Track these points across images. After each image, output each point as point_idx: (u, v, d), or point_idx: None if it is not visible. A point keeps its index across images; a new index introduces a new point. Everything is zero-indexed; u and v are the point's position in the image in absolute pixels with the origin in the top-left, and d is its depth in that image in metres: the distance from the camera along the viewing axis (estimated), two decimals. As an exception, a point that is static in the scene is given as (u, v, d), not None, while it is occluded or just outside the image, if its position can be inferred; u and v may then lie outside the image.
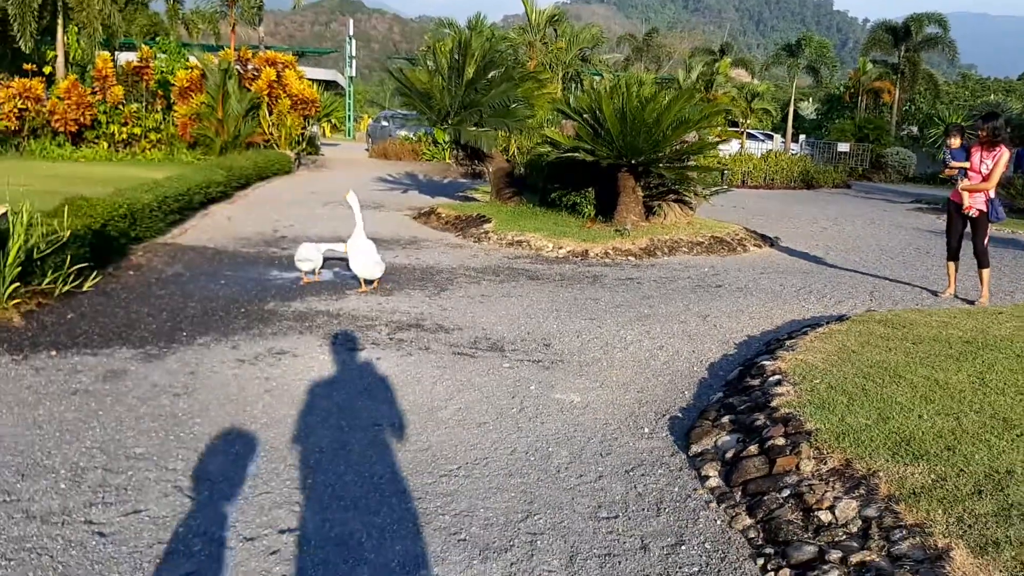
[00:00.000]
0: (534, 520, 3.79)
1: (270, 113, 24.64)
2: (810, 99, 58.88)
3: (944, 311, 7.85)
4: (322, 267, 9.09)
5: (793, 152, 37.94)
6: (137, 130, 23.65)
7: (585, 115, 12.71)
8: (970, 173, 9.05)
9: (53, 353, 5.85)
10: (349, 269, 8.81)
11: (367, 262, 8.44)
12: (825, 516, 3.54)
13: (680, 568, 3.42)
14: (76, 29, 27.78)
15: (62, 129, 23.02)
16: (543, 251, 11.83)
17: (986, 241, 9.10)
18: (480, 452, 4.54)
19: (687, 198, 13.90)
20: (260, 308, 7.55)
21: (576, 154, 12.66)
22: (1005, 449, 3.96)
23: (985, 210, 8.99)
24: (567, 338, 7.06)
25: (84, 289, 7.54)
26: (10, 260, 6.65)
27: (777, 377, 5.21)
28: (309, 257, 8.73)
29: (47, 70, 25.57)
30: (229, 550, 3.39)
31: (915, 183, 33.83)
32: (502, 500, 3.97)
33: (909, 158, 37.53)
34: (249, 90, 24.64)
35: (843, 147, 39.45)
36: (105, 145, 23.38)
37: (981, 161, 8.96)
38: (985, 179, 8.88)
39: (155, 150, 23.57)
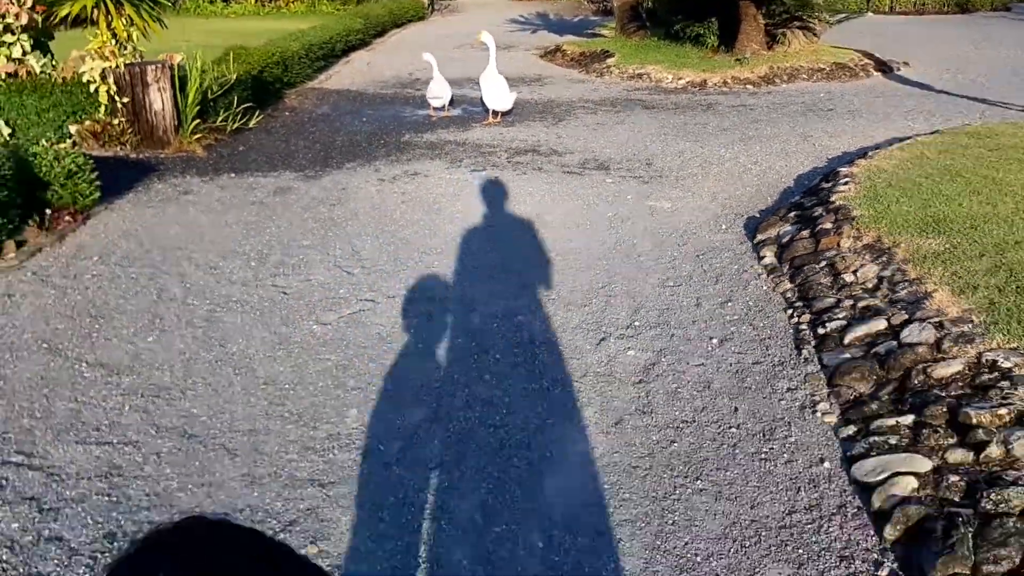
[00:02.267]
0: (611, 287, 4.73)
1: (403, -41, 25.11)
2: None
3: (1043, 122, 8.02)
4: (451, 104, 9.99)
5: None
6: (281, -17, 24.73)
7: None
8: None
9: (232, 175, 7.12)
10: (479, 104, 9.67)
11: (499, 94, 9.28)
12: (849, 277, 4.31)
13: (724, 317, 4.31)
14: None
15: (213, -14, 24.37)
16: (662, 82, 12.28)
17: None
18: (576, 244, 5.46)
19: (811, 25, 13.81)
20: (397, 139, 8.60)
21: (696, -17, 12.79)
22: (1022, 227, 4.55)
23: None
24: (669, 158, 7.77)
25: (250, 126, 8.78)
26: (190, 101, 7.90)
27: (846, 179, 5.83)
28: (440, 94, 9.64)
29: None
30: (377, 304, 4.52)
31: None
32: (589, 276, 4.92)
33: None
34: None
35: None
36: (252, 0, 24.64)
37: None
38: None
39: (298, 3, 24.66)
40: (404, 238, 5.56)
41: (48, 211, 5.68)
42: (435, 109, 9.89)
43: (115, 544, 2.67)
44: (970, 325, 3.49)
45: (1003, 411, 2.92)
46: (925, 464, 2.83)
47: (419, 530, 2.77)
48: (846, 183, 5.76)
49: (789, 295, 4.45)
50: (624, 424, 3.37)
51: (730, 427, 3.34)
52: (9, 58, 8.04)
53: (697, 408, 3.48)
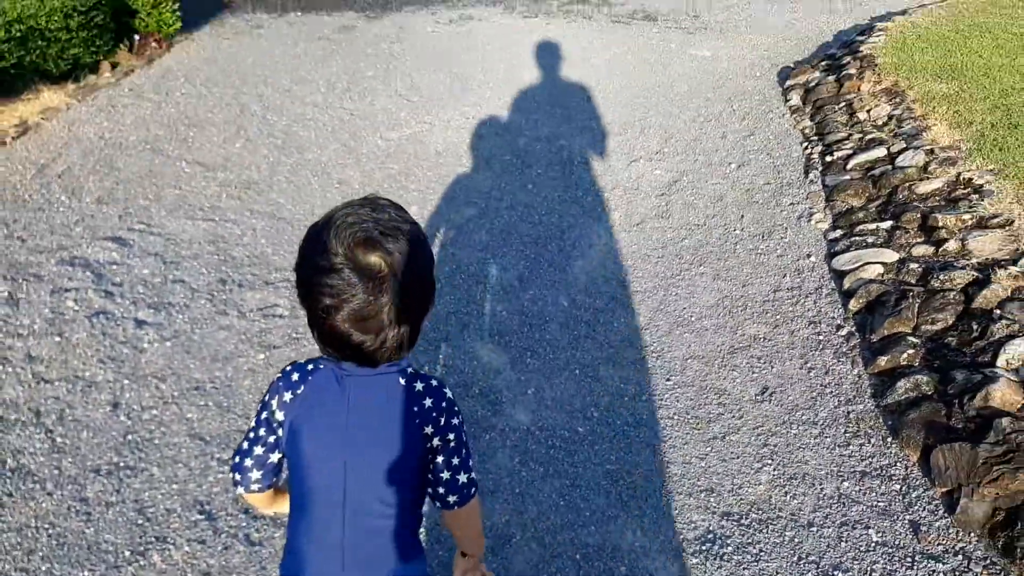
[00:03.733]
0: (646, 121, 5.20)
1: None
2: None
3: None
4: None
5: None
6: None
7: None
8: None
9: (298, 13, 7.58)
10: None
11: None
12: (862, 116, 4.73)
13: (745, 147, 4.79)
14: None
15: None
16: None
17: None
18: (618, 84, 5.90)
19: None
20: (454, -14, 8.92)
21: None
22: (1038, 77, 4.89)
23: None
24: (715, 12, 8.03)
25: (313, -31, 9.14)
26: (258, -58, 8.27)
27: (880, 32, 6.13)
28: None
29: None
30: (433, 126, 5.06)
31: None
32: (627, 110, 5.38)
33: None
34: None
35: None
36: None
37: None
38: None
39: None
40: (458, 73, 6.04)
41: (136, 36, 6.24)
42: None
43: (226, 286, 3.35)
44: (957, 152, 3.95)
45: (967, 216, 3.43)
46: (892, 256, 3.37)
47: (468, 290, 3.40)
48: (879, 35, 6.07)
49: (807, 131, 4.90)
50: (644, 224, 3.94)
51: (735, 230, 3.89)
52: None
53: (709, 215, 4.02)
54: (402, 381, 1.24)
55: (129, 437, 2.56)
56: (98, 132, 4.81)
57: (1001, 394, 2.50)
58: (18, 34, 4.92)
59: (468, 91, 5.67)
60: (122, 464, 2.46)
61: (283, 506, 1.43)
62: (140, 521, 2.27)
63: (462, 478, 1.31)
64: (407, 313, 1.15)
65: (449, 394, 1.28)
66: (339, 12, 7.66)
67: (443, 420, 1.26)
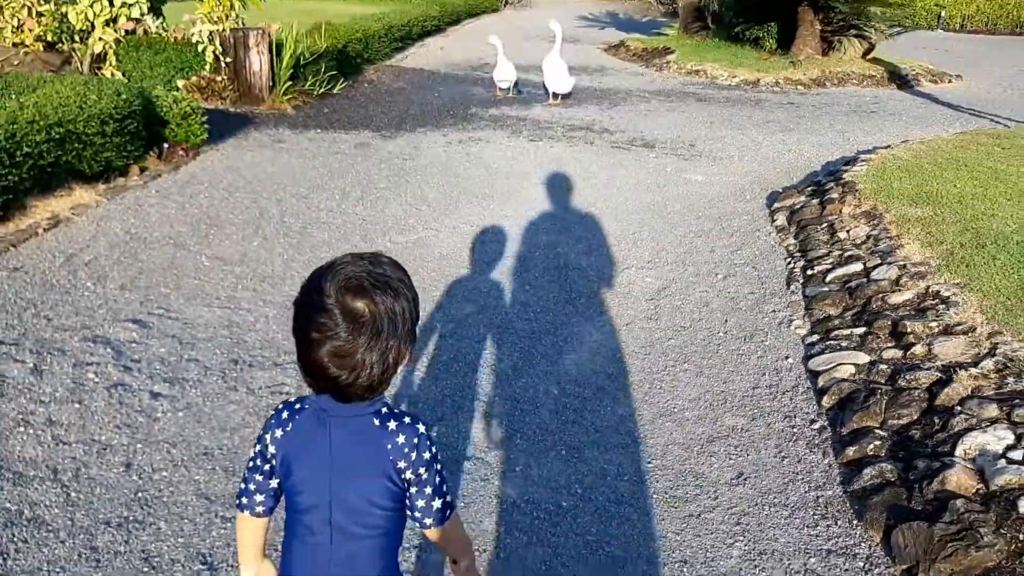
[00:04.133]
0: (639, 234, 5.53)
1: (481, -47, 26.04)
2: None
3: (1064, 130, 8.58)
4: (516, 86, 10.84)
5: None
6: (362, -30, 25.83)
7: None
8: None
9: (318, 131, 8.06)
10: (542, 88, 10.50)
11: (560, 77, 10.10)
12: (843, 235, 5.04)
13: (732, 260, 5.08)
14: None
15: (299, -30, 25.57)
16: (717, 79, 12.97)
17: None
18: (615, 202, 6.26)
19: (867, 34, 14.35)
20: (464, 112, 9.48)
21: (755, -12, 13.46)
22: (1006, 206, 5.22)
23: None
24: (711, 142, 8.51)
25: (335, 92, 9.74)
26: (284, 65, 8.88)
27: (862, 163, 6.53)
28: (505, 76, 10.49)
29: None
30: (440, 232, 5.38)
31: None
32: (622, 225, 5.72)
33: None
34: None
35: (1095, -14, 35.80)
36: (335, -16, 25.77)
37: None
38: None
39: (378, -11, 25.73)
40: (465, 188, 6.42)
41: (165, 145, 6.67)
42: (500, 90, 10.74)
43: (237, 365, 3.57)
44: (927, 267, 4.22)
45: (933, 323, 3.66)
46: (864, 358, 3.59)
47: (464, 377, 3.61)
48: (861, 165, 6.47)
49: (791, 248, 5.20)
50: (633, 325, 4.18)
51: (719, 333, 4.12)
52: (129, 17, 9.09)
53: (695, 319, 4.27)
54: (376, 422, 1.40)
55: (139, 495, 2.73)
56: (124, 228, 5.13)
57: (957, 478, 2.67)
58: (57, 136, 5.31)
59: (473, 203, 6.03)
60: (131, 518, 2.62)
61: (269, 572, 1.61)
62: (146, 569, 2.42)
63: (436, 504, 1.45)
64: (382, 357, 1.33)
65: (421, 429, 1.43)
66: (356, 131, 8.15)
67: (415, 455, 1.41)
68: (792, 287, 4.61)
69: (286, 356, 3.67)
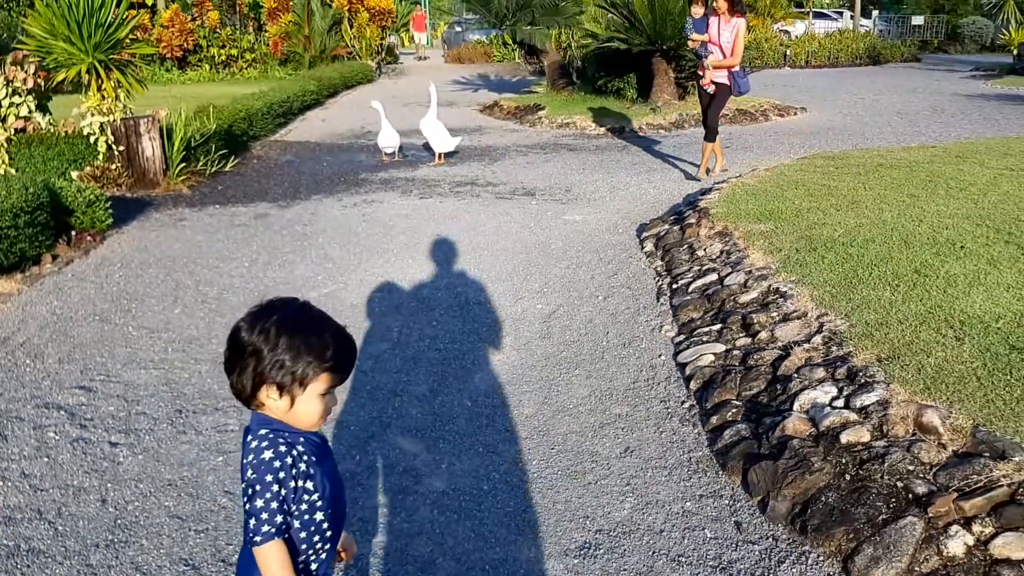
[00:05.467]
0: (528, 270, 6.18)
1: (351, 27, 26.91)
2: (890, -28, 57.42)
3: (886, 149, 9.79)
4: (400, 150, 11.49)
5: (865, 28, 37.98)
6: (234, 51, 26.23)
7: (619, 7, 14.58)
8: (710, 46, 8.78)
9: (217, 206, 8.49)
10: (426, 150, 11.17)
11: (443, 137, 10.80)
12: (700, 253, 5.82)
13: (609, 284, 5.78)
14: (172, -39, 30.33)
15: (169, 55, 25.78)
16: (586, 130, 13.95)
17: (720, 115, 9.22)
18: (503, 244, 6.92)
19: (717, 77, 15.66)
20: (354, 177, 10.06)
21: (611, 43, 14.61)
22: (835, 215, 6.12)
23: (727, 83, 8.86)
24: (585, 185, 9.33)
25: (226, 169, 10.18)
26: (176, 148, 9.28)
27: (715, 192, 7.41)
28: (389, 142, 11.14)
29: (149, 1, 28.29)
30: (347, 286, 5.90)
31: (994, 52, 33.23)
32: (512, 264, 6.37)
33: (987, 27, 36.76)
34: (331, 6, 26.90)
35: (917, 20, 39.28)
36: (207, 67, 26.07)
37: (720, 32, 8.65)
38: (731, 54, 8.66)
39: (251, 69, 26.15)
40: (366, 245, 6.97)
41: (72, 232, 6.99)
42: (386, 155, 11.37)
43: (182, 414, 4.00)
44: (768, 270, 5.01)
45: (775, 314, 4.42)
46: (721, 348, 4.30)
47: (387, 402, 4.14)
48: (714, 193, 7.34)
49: (659, 269, 5.95)
50: (530, 344, 4.80)
51: (602, 343, 4.79)
52: (18, 116, 9.34)
53: (582, 334, 4.92)
54: (246, 436, 1.65)
55: (119, 522, 3.15)
56: (50, 310, 5.46)
57: (793, 425, 3.37)
58: (-26, 231, 5.62)
59: (375, 257, 6.58)
60: (116, 540, 3.04)
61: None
62: (138, 575, 2.85)
63: (250, 523, 1.57)
64: (242, 374, 1.61)
65: (252, 444, 1.61)
66: (253, 204, 8.61)
67: (244, 469, 1.61)
68: (661, 300, 5.34)
69: (224, 402, 4.12)
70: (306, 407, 1.63)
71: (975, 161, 8.18)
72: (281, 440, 1.62)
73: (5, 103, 8.91)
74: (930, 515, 2.73)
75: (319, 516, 1.68)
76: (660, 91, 14.96)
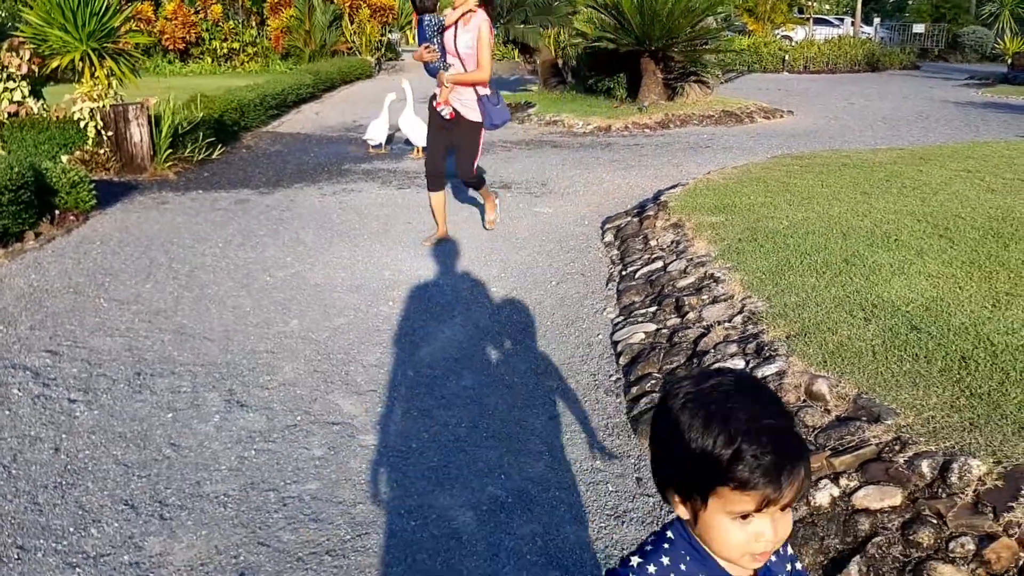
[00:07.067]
0: (491, 256, 6.44)
1: (351, 22, 27.19)
2: (894, -20, 57.66)
3: (854, 150, 10.03)
4: (389, 141, 11.75)
5: (866, 35, 38.17)
6: (236, 45, 26.54)
7: (609, 8, 14.83)
8: (449, 57, 6.12)
9: (200, 191, 8.75)
10: (408, 144, 11.43)
11: (420, 130, 11.03)
12: (653, 243, 6.07)
13: (565, 270, 6.03)
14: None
15: (171, 47, 26.08)
16: (574, 128, 14.20)
17: (476, 162, 6.46)
18: (471, 234, 7.16)
19: (705, 79, 15.94)
20: (338, 167, 10.32)
21: (600, 43, 14.87)
22: (786, 209, 6.36)
23: (477, 115, 6.19)
24: (561, 180, 9.57)
25: (213, 157, 10.44)
26: (164, 134, 9.55)
27: (679, 186, 7.66)
28: (373, 133, 11.39)
29: (154, -6, 28.57)
30: (315, 267, 6.16)
31: (993, 62, 33.35)
32: (477, 250, 6.61)
33: (986, 37, 36.96)
34: (332, 2, 27.18)
35: (918, 28, 39.51)
36: (209, 60, 26.37)
37: (456, 36, 5.97)
38: (476, 66, 6.03)
39: (252, 63, 26.46)
40: (338, 231, 7.23)
41: (57, 212, 7.26)
42: (372, 147, 11.63)
43: (140, 376, 4.27)
44: (708, 258, 5.26)
45: (705, 296, 4.67)
46: (652, 327, 4.55)
47: (336, 368, 4.40)
48: (678, 188, 7.58)
49: (614, 258, 6.20)
50: (479, 324, 5.06)
51: (549, 322, 5.04)
52: (11, 100, 9.63)
53: (532, 315, 5.18)
54: None
55: (68, 467, 3.41)
56: (27, 282, 5.73)
57: (699, 393, 3.61)
58: (-42, 206, 5.88)
59: (345, 242, 6.84)
60: (64, 483, 3.30)
61: None
62: (80, 512, 3.11)
63: None
64: None
65: None
66: (236, 190, 8.88)
67: None
68: (609, 286, 5.59)
69: (181, 367, 4.38)
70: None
71: (936, 163, 8.42)
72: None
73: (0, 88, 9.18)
74: (805, 471, 2.97)
75: None
76: (648, 91, 15.20)
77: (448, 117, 6.21)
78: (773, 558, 1.25)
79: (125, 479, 3.32)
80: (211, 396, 4.07)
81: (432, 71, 6.22)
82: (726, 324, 4.23)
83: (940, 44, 38.79)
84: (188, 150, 10.09)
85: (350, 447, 3.62)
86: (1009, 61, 25.97)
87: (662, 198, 7.22)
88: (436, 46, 6.09)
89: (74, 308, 5.26)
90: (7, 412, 3.84)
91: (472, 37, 5.90)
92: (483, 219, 7.33)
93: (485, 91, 6.15)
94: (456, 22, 5.94)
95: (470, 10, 5.88)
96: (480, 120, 6.18)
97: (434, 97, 6.27)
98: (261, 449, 3.59)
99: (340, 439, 3.69)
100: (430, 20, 6.10)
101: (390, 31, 31.24)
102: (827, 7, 43.73)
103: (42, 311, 5.19)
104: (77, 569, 2.81)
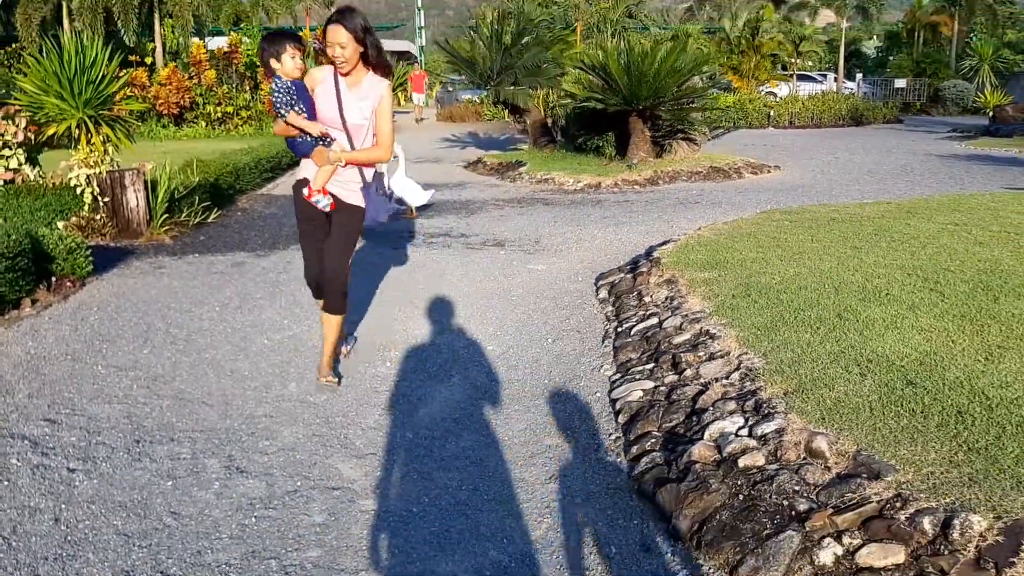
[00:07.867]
0: (487, 314, 6.48)
1: (343, 86, 27.58)
2: (874, 37, 58.98)
3: (842, 205, 10.17)
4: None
5: (849, 91, 38.89)
6: (230, 109, 26.88)
7: (597, 69, 15.12)
8: (332, 131, 4.65)
9: (196, 255, 8.81)
10: (400, 203, 11.53)
11: (414, 190, 11.12)
12: (648, 299, 6.13)
13: (561, 327, 6.07)
14: (171, 22, 31.23)
15: (166, 112, 26.39)
16: (564, 186, 14.38)
17: (350, 261, 5.00)
18: (467, 292, 7.22)
19: (693, 136, 16.21)
20: (333, 229, 10.40)
21: (588, 103, 15.13)
22: (778, 265, 6.44)
23: (359, 200, 4.85)
24: (553, 238, 9.68)
25: (209, 221, 10.52)
26: (160, 199, 9.64)
27: (671, 243, 7.75)
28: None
29: (148, 60, 29.03)
30: (312, 328, 6.18)
31: (975, 115, 33.98)
32: (473, 308, 6.66)
33: (967, 90, 37.73)
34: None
35: (899, 83, 40.35)
36: (203, 124, 26.67)
37: (341, 102, 4.62)
38: (375, 142, 4.73)
39: (246, 126, 26.76)
40: (334, 292, 7.26)
41: (53, 278, 7.29)
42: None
43: (140, 444, 4.26)
44: (703, 314, 5.31)
45: (701, 353, 4.71)
46: (650, 384, 4.58)
47: (335, 432, 4.40)
48: (670, 244, 7.67)
49: (609, 314, 6.25)
50: (476, 383, 5.07)
51: (546, 380, 5.06)
52: (7, 168, 9.73)
53: (527, 373, 5.20)
54: None
55: (68, 538, 3.39)
56: (24, 350, 5.73)
57: (699, 451, 3.63)
58: (-44, 275, 5.91)
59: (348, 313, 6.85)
60: (64, 554, 3.28)
61: None
62: (80, 585, 3.09)
63: None
64: None
65: None
66: (232, 253, 8.94)
67: None
68: (606, 343, 5.63)
69: (180, 433, 4.38)
70: None
71: (924, 216, 8.55)
72: None
73: (-5, 156, 9.28)
74: (807, 529, 2.98)
75: None
76: (636, 149, 15.44)
77: (328, 209, 4.74)
78: None
79: (126, 549, 3.31)
80: (211, 463, 4.07)
81: (305, 149, 4.65)
82: (724, 381, 4.26)
83: (922, 98, 39.59)
84: (184, 214, 10.17)
85: (351, 512, 3.61)
86: (990, 114, 26.50)
87: (655, 254, 7.30)
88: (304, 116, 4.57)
89: (72, 375, 5.26)
90: (6, 482, 3.82)
91: (368, 106, 4.60)
92: (476, 276, 7.38)
93: (375, 171, 4.86)
94: (336, 86, 4.60)
95: (362, 73, 4.60)
96: (363, 205, 4.85)
97: (303, 183, 4.76)
98: (262, 516, 3.58)
99: (340, 504, 3.68)
100: (290, 83, 4.54)
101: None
102: (810, 64, 44.63)
103: (39, 379, 5.19)
104: (78, 643, 2.78)
